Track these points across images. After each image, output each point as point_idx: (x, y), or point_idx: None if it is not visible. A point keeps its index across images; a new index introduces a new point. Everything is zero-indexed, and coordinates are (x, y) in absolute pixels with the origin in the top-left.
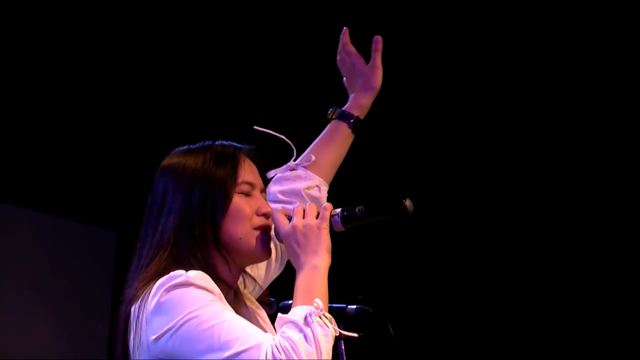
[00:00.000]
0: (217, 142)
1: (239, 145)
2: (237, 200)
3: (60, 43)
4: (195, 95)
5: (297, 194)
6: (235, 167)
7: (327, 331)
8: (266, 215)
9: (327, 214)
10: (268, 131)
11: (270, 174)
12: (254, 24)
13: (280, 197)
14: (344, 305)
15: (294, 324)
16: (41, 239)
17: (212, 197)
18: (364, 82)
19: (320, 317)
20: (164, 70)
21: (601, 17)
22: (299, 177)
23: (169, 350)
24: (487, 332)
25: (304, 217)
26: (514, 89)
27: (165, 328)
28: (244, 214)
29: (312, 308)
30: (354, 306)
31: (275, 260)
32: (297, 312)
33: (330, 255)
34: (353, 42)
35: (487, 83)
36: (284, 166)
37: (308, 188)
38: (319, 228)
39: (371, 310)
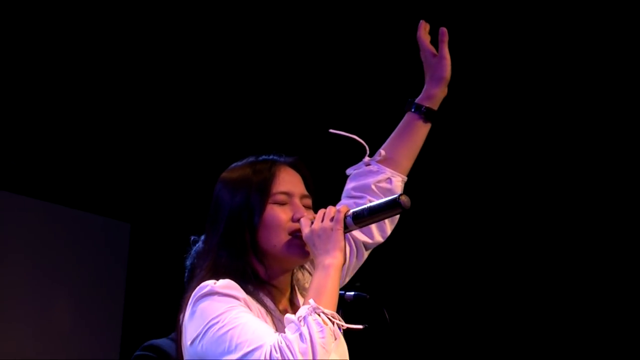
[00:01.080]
0: (259, 158)
1: (278, 158)
2: (271, 210)
3: (82, 35)
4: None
5: (367, 188)
6: (270, 179)
7: (322, 328)
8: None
9: (341, 216)
10: (342, 133)
11: (348, 171)
12: (330, 23)
13: (353, 192)
14: (343, 292)
15: (293, 323)
16: (57, 230)
17: (249, 208)
18: (432, 73)
19: (318, 315)
20: (186, 67)
21: (601, 17)
22: (371, 172)
23: (199, 354)
24: (479, 318)
25: (322, 221)
26: (514, 89)
27: (195, 334)
28: (277, 222)
29: (310, 307)
30: (352, 293)
31: (350, 252)
32: (300, 311)
33: (343, 253)
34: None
35: (488, 83)
36: (359, 163)
37: (378, 182)
38: (332, 229)
39: (368, 296)
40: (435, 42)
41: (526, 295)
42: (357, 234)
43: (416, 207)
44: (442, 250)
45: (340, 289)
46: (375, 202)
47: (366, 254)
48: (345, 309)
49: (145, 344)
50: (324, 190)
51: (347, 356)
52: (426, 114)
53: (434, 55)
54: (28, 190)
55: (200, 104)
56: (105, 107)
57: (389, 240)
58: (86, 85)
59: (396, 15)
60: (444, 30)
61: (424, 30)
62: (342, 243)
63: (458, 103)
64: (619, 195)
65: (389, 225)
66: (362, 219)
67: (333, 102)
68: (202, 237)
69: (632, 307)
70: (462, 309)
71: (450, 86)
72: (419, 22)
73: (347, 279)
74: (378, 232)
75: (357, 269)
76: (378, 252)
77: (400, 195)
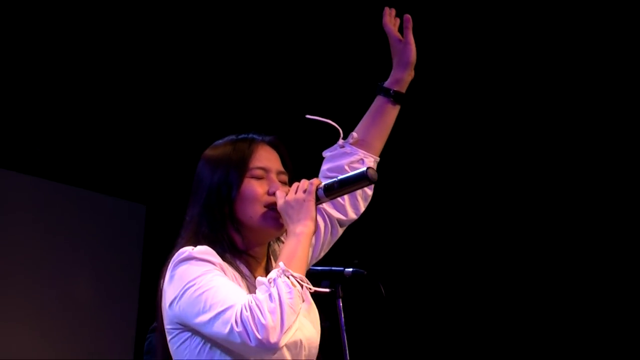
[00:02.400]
0: (239, 136)
1: (257, 136)
2: (248, 183)
3: (97, 24)
4: (227, 77)
5: (341, 169)
6: (248, 155)
7: (291, 289)
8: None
9: (313, 188)
10: (318, 118)
11: (324, 153)
12: (299, 13)
13: (328, 173)
14: (342, 269)
15: (264, 285)
16: (79, 211)
17: (228, 182)
18: (399, 58)
19: (287, 277)
20: (197, 53)
21: (601, 17)
22: (344, 154)
23: (177, 315)
24: (473, 295)
25: (295, 192)
26: (514, 89)
27: (173, 296)
28: (254, 195)
29: (279, 270)
30: (351, 269)
31: (325, 228)
32: (270, 274)
33: (314, 222)
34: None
35: (488, 83)
36: (334, 145)
37: (351, 163)
38: (304, 200)
39: (365, 272)
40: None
41: (515, 269)
42: (332, 211)
43: (410, 191)
44: (438, 230)
45: (339, 266)
46: (345, 175)
47: (341, 231)
48: (344, 284)
49: None
50: (302, 171)
51: (318, 322)
52: (395, 97)
53: (400, 41)
54: (51, 175)
55: (213, 89)
56: (122, 93)
57: (383, 222)
58: (104, 73)
59: (366, 4)
60: (408, 17)
61: (389, 17)
62: (314, 213)
63: (462, 100)
64: (617, 193)
65: (362, 202)
66: (333, 191)
67: (311, 89)
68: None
69: (631, 307)
70: (458, 286)
71: (451, 86)
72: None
73: (322, 254)
74: (352, 209)
75: (331, 244)
76: (374, 232)
77: (368, 168)
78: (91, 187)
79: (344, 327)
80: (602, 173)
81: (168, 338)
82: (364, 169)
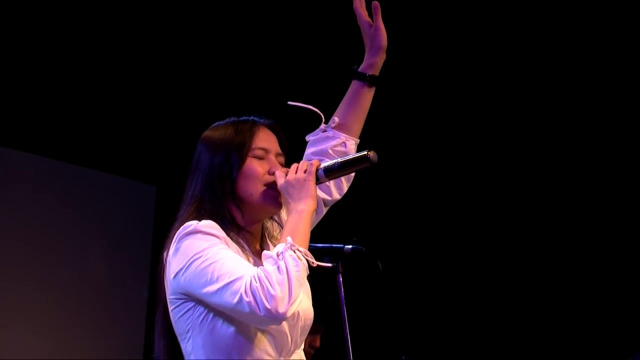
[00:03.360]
0: (241, 118)
1: (258, 119)
2: (250, 163)
3: (111, 6)
4: (230, 63)
5: (325, 152)
6: (250, 136)
7: (297, 262)
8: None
9: (313, 169)
10: (300, 104)
11: (307, 137)
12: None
13: (312, 157)
14: (342, 246)
15: (271, 258)
16: (90, 192)
17: (230, 160)
18: (371, 44)
19: (293, 251)
20: (203, 43)
21: (601, 17)
22: (327, 138)
23: (182, 286)
24: (463, 270)
25: (296, 173)
26: (514, 89)
27: (179, 268)
28: (255, 173)
29: (287, 244)
30: (350, 246)
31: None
32: (276, 248)
33: (314, 201)
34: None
35: (488, 83)
36: (317, 130)
37: (334, 146)
38: (305, 180)
39: (364, 249)
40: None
41: (509, 245)
42: (317, 192)
43: (412, 169)
44: (433, 209)
45: (339, 243)
46: (345, 157)
47: (325, 210)
48: (344, 260)
49: None
50: (288, 155)
51: (310, 296)
52: (370, 81)
53: (370, 26)
54: (66, 157)
55: (222, 71)
56: (133, 77)
57: (382, 201)
58: (115, 58)
59: None
60: (376, 4)
61: (359, 3)
62: (314, 192)
63: (466, 100)
64: (617, 193)
65: (345, 184)
66: (333, 172)
67: (291, 77)
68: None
69: (630, 306)
70: (452, 261)
71: (450, 86)
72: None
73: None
74: (336, 190)
75: (316, 223)
76: (372, 211)
77: (369, 151)
78: (104, 168)
79: (344, 301)
80: (601, 173)
81: (170, 308)
82: (365, 152)
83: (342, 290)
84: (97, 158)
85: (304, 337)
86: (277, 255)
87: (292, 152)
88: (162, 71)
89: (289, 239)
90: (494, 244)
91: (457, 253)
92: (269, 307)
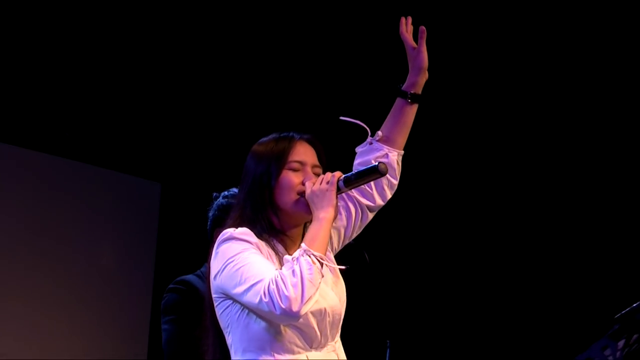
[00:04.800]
0: (282, 134)
1: (296, 134)
2: (286, 174)
3: (118, 5)
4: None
5: (369, 163)
6: (288, 149)
7: (311, 266)
8: None
9: (334, 180)
10: (350, 120)
11: (357, 149)
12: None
13: (359, 167)
14: None
15: (289, 262)
16: (98, 189)
17: (269, 171)
18: (413, 64)
19: (308, 256)
20: (214, 43)
21: (601, 17)
22: (372, 150)
23: (220, 286)
24: (447, 261)
25: (320, 184)
26: (514, 89)
27: (217, 270)
28: (290, 184)
29: (302, 249)
30: None
31: (356, 213)
32: (295, 253)
33: (334, 209)
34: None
35: (488, 83)
36: (364, 143)
37: (377, 157)
38: (327, 190)
39: (352, 242)
40: (416, 38)
41: (493, 233)
42: (362, 199)
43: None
44: (418, 205)
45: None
46: (360, 169)
47: (371, 215)
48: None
49: (177, 279)
50: (338, 165)
51: (344, 294)
52: (412, 98)
53: (414, 49)
54: (77, 156)
55: (228, 72)
56: (140, 76)
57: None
58: (121, 55)
59: (388, 17)
60: (423, 28)
61: (404, 27)
62: (334, 201)
63: (469, 100)
64: (617, 193)
65: (388, 191)
66: (351, 182)
67: (344, 94)
68: (222, 193)
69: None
70: (437, 253)
71: (450, 86)
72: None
73: (354, 235)
74: (378, 197)
75: (362, 228)
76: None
77: (379, 163)
78: (113, 167)
79: None
80: (601, 173)
81: (215, 305)
82: (375, 164)
83: None
84: (106, 157)
85: (335, 330)
86: (293, 260)
87: (343, 163)
88: (167, 71)
89: (303, 245)
90: (476, 234)
91: (439, 246)
92: (283, 306)
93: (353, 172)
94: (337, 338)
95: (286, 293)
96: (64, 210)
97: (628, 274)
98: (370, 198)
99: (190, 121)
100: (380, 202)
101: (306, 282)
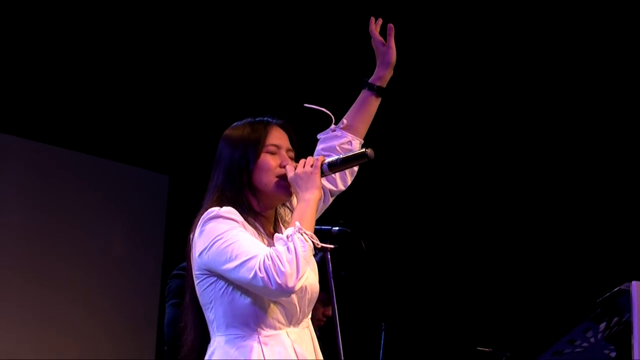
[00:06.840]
0: (256, 118)
1: (271, 119)
2: (264, 157)
3: (125, 3)
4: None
5: (333, 149)
6: (264, 134)
7: (304, 244)
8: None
9: (319, 163)
10: (314, 106)
11: (319, 136)
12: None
13: (322, 152)
14: (330, 227)
15: (282, 239)
16: (109, 181)
17: (247, 155)
18: (382, 59)
19: (301, 234)
20: (217, 40)
21: (601, 17)
22: (335, 137)
23: (206, 263)
24: (439, 248)
25: (304, 167)
26: (513, 89)
27: (203, 248)
28: (268, 166)
29: (295, 228)
30: (337, 228)
31: (324, 195)
32: (287, 231)
33: (320, 190)
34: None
35: (488, 83)
36: (327, 129)
37: (341, 144)
38: (311, 173)
39: (349, 230)
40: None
41: (485, 218)
42: (325, 183)
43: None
44: (411, 195)
45: (327, 225)
46: (347, 153)
47: (331, 199)
48: (331, 240)
49: (181, 265)
50: (300, 150)
51: (317, 271)
52: (378, 91)
53: (383, 45)
54: (90, 149)
55: (233, 65)
56: (147, 69)
57: (367, 189)
58: (129, 51)
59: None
60: (391, 25)
61: (374, 25)
62: (319, 183)
63: (471, 101)
64: (616, 193)
65: (349, 177)
66: (336, 166)
67: (309, 82)
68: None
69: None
70: (429, 242)
71: (450, 86)
72: (372, 18)
73: (316, 217)
74: (341, 182)
75: (323, 210)
76: (358, 197)
77: (367, 148)
78: (123, 160)
79: (332, 276)
80: (601, 172)
81: (196, 282)
82: (364, 149)
83: (330, 266)
84: (118, 151)
85: (311, 307)
86: (287, 238)
87: (304, 148)
88: (175, 66)
89: (297, 223)
90: (467, 221)
91: (432, 232)
92: (279, 281)
93: (338, 156)
94: (310, 315)
95: (282, 269)
96: (78, 201)
97: (609, 259)
98: (334, 183)
99: (195, 118)
100: (342, 187)
101: (300, 259)
